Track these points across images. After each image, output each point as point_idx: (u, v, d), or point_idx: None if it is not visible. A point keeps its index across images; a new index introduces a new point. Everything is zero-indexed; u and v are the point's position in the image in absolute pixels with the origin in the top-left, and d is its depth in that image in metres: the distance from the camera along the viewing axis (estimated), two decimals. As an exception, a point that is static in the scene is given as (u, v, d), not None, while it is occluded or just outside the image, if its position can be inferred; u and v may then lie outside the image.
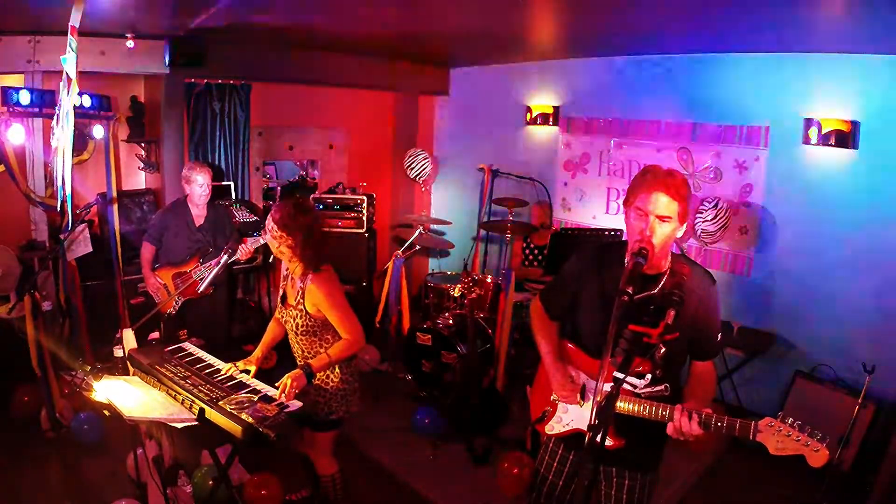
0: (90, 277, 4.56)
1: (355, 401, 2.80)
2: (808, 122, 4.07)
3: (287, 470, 3.30)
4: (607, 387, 1.64)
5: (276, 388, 2.47)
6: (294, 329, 2.68)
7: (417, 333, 4.61)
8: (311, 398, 2.66)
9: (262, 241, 3.61)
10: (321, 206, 5.57)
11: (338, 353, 2.62)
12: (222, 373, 2.62)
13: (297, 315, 2.65)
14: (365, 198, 5.55)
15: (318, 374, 2.67)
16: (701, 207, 4.37)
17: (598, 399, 1.64)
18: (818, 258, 4.17)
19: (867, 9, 2.98)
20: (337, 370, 2.70)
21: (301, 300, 2.63)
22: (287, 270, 2.75)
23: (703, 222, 4.34)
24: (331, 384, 2.71)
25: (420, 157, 6.28)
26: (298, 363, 2.74)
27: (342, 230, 5.57)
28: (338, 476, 2.91)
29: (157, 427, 2.95)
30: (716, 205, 4.32)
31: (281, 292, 2.79)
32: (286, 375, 2.49)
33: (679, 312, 1.74)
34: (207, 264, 3.89)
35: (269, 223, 2.61)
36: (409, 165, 6.28)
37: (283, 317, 2.76)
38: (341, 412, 2.74)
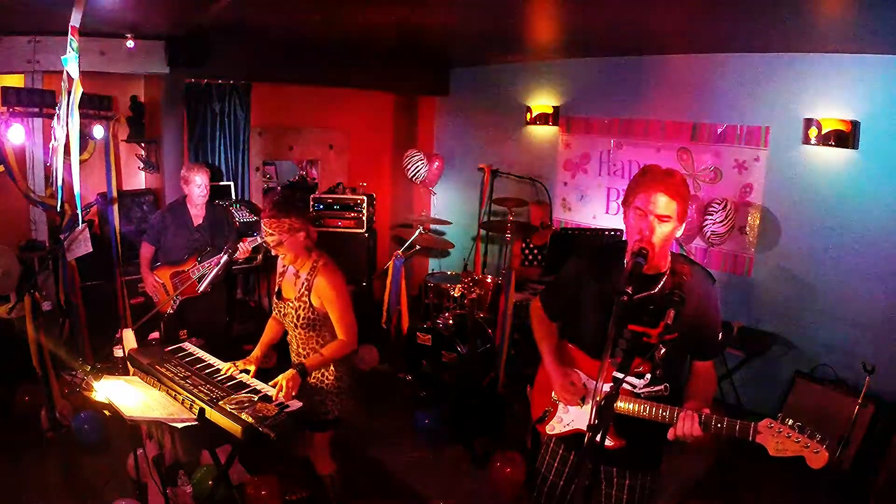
0: (90, 277, 4.57)
1: (351, 399, 2.80)
2: (808, 122, 4.07)
3: (287, 470, 3.30)
4: (607, 387, 1.64)
5: (273, 387, 2.46)
6: (294, 321, 2.67)
7: (417, 333, 4.61)
8: (309, 398, 2.67)
9: (259, 241, 3.62)
10: (321, 206, 5.57)
11: (331, 352, 2.63)
12: (222, 373, 2.62)
13: (298, 307, 2.64)
14: (365, 198, 5.55)
15: (313, 374, 2.68)
16: (710, 209, 4.35)
17: (598, 399, 1.64)
18: (818, 258, 4.17)
19: (867, 9, 2.98)
20: (332, 369, 2.71)
21: (306, 293, 2.62)
22: (283, 267, 2.76)
23: (714, 224, 4.31)
24: (326, 383, 2.71)
25: (415, 158, 6.18)
26: (292, 359, 2.76)
27: (342, 230, 5.57)
28: (336, 476, 2.92)
29: (157, 427, 2.95)
30: (724, 206, 4.30)
31: (277, 288, 2.79)
32: (280, 376, 2.49)
33: (679, 312, 1.74)
34: (206, 263, 3.90)
35: (274, 220, 2.54)
36: (406, 166, 6.27)
37: (280, 311, 2.75)
38: (336, 411, 2.75)
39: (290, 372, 2.50)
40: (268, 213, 2.56)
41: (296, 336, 2.73)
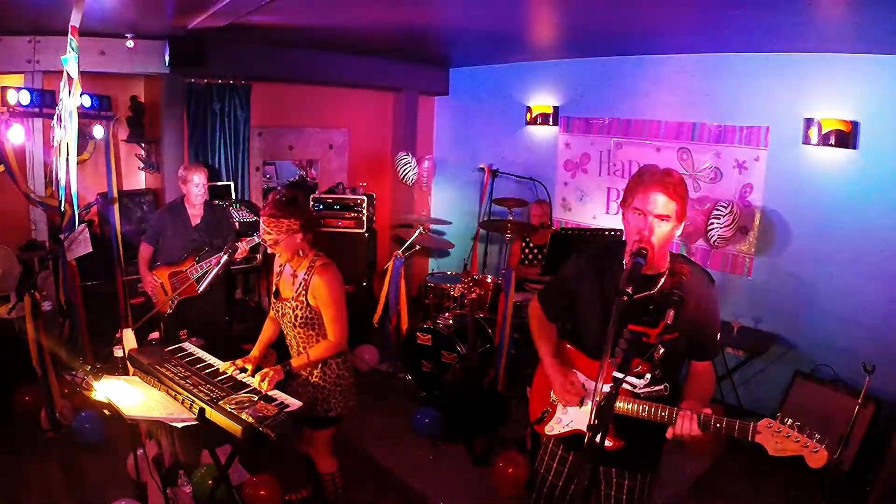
0: (90, 277, 4.57)
1: (352, 396, 2.82)
2: (808, 122, 4.07)
3: (287, 470, 3.30)
4: (606, 387, 1.64)
5: (257, 377, 2.53)
6: (292, 321, 2.68)
7: (417, 333, 4.61)
8: (311, 396, 2.67)
9: (257, 241, 3.63)
10: (321, 206, 5.57)
11: (317, 353, 2.65)
12: (221, 372, 2.62)
13: (296, 307, 2.65)
14: (365, 198, 5.55)
15: (315, 373, 2.69)
16: (716, 212, 4.32)
17: (598, 399, 1.64)
18: (818, 258, 4.17)
19: (867, 9, 2.98)
20: (333, 366, 2.72)
21: (303, 292, 2.63)
22: (280, 266, 2.76)
23: (720, 227, 4.26)
24: (327, 381, 2.72)
25: (404, 160, 6.18)
26: (293, 356, 2.76)
27: (342, 230, 5.57)
28: (338, 475, 2.92)
29: (157, 427, 2.96)
30: (731, 209, 4.25)
31: (274, 288, 2.80)
32: (266, 369, 2.56)
33: (678, 312, 1.74)
34: (204, 263, 3.91)
35: (273, 219, 2.55)
36: (397, 169, 6.26)
37: (278, 311, 2.76)
38: (339, 409, 2.75)
39: (277, 367, 2.58)
40: (267, 211, 2.57)
41: (295, 335, 2.73)
